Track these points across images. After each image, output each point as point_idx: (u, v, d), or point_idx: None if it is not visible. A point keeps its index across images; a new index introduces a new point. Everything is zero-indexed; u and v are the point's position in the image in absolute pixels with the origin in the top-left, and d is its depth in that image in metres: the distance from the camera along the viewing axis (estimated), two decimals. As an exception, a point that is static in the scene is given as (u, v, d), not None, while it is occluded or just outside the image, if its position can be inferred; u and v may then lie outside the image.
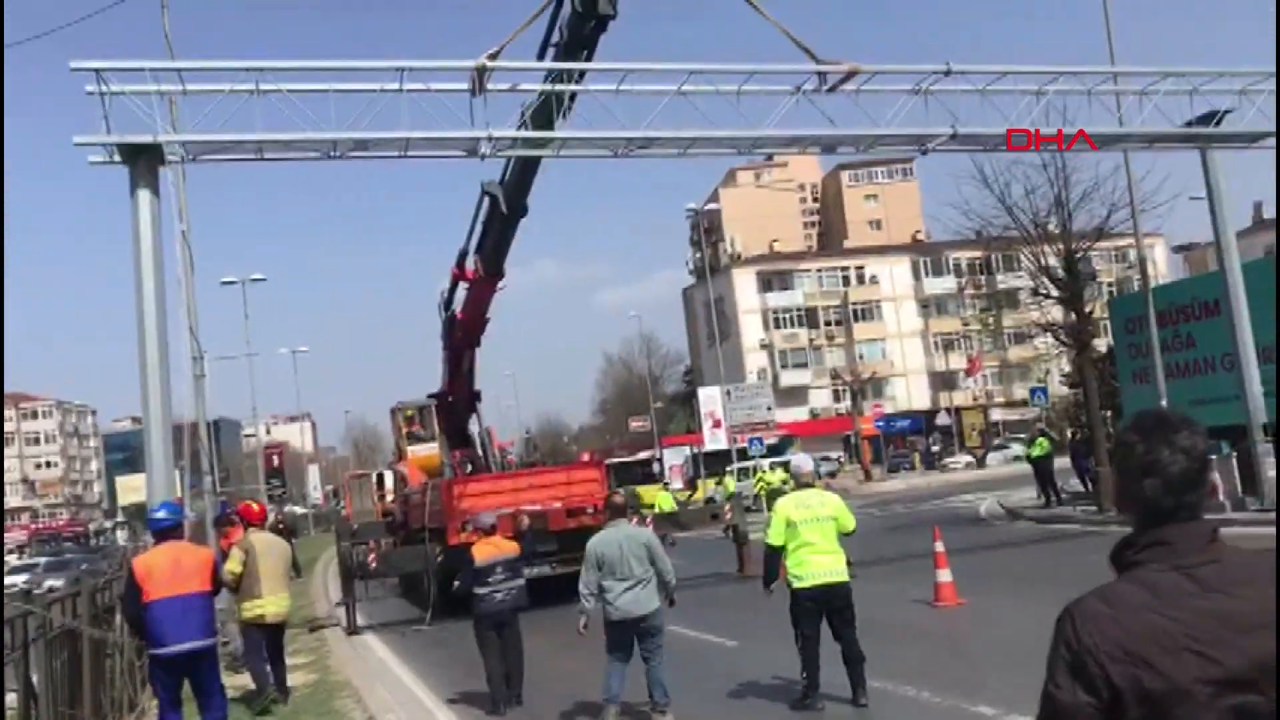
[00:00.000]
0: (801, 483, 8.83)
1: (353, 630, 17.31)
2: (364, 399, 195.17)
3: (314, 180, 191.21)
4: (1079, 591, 2.09)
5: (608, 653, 8.54)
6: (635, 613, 8.39)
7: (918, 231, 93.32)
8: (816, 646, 8.38)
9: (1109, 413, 24.24)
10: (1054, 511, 24.59)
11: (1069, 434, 28.16)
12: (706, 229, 77.84)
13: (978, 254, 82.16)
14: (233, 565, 10.48)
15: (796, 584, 8.41)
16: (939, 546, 13.78)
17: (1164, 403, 20.64)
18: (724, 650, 11.92)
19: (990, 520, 26.22)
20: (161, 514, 8.59)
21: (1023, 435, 64.69)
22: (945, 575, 13.48)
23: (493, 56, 14.21)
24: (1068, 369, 67.07)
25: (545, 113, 15.79)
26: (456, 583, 11.32)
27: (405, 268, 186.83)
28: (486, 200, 19.00)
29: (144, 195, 12.96)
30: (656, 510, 24.41)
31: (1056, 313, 25.14)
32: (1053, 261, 23.43)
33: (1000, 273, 79.98)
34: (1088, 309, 23.44)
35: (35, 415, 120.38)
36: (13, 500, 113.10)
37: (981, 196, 23.18)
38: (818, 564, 8.37)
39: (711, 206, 70.34)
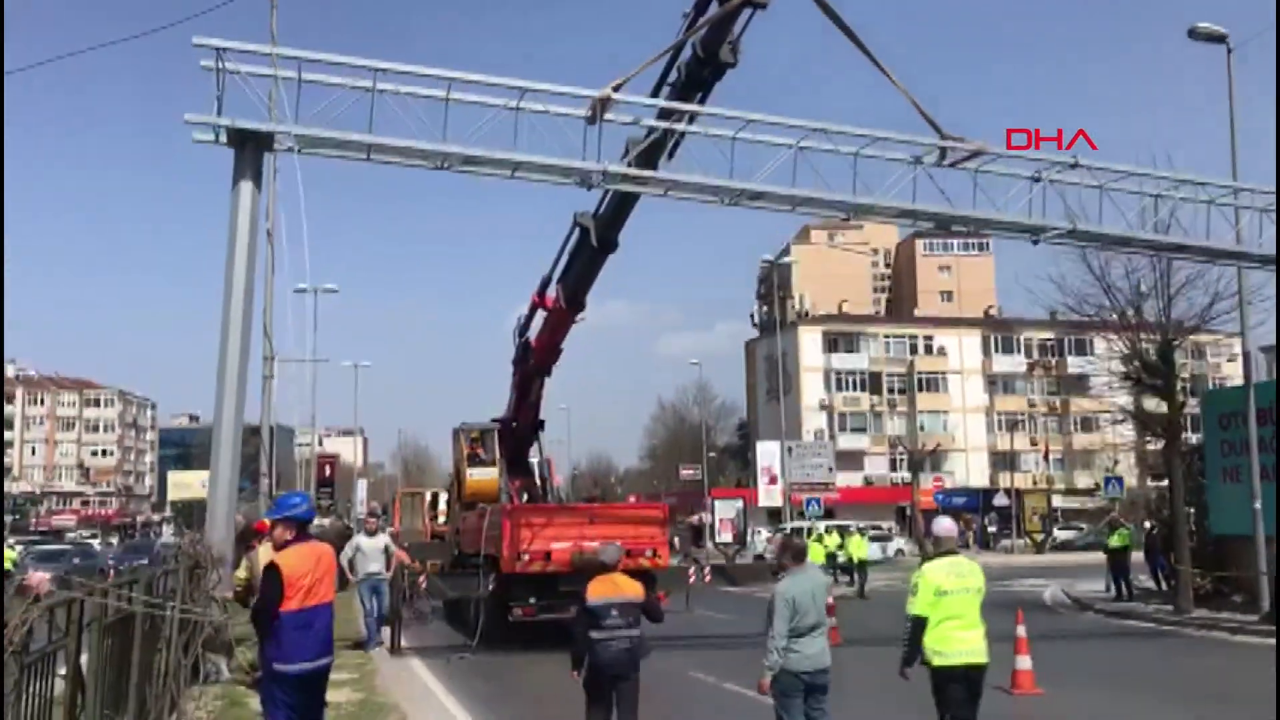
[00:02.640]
0: (943, 549, 8.05)
1: (397, 650, 16.94)
2: (416, 419, 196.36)
3: (392, 193, 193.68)
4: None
5: (788, 713, 7.76)
6: (823, 664, 7.81)
7: (990, 307, 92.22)
8: None
9: (1192, 510, 23.26)
10: (1125, 606, 23.60)
11: (1147, 527, 27.06)
12: (776, 284, 77.41)
13: (1050, 335, 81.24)
14: (240, 573, 10.82)
15: (938, 660, 7.58)
16: (1021, 631, 13.11)
17: (1258, 504, 19.73)
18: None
19: (1056, 608, 25.25)
20: (302, 505, 7.60)
21: (1082, 525, 63.14)
22: (1025, 662, 12.80)
23: (617, 88, 14.10)
24: (1134, 462, 65.40)
25: (651, 151, 15.62)
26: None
27: (471, 293, 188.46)
28: (577, 231, 18.82)
29: (246, 186, 12.86)
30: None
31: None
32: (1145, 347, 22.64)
33: (1072, 355, 79.13)
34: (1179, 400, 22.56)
35: (98, 403, 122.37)
36: (67, 484, 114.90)
37: (1079, 272, 22.52)
38: (963, 640, 7.59)
39: (787, 260, 69.82)
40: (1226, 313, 21.36)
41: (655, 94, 15.51)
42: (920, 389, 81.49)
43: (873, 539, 42.18)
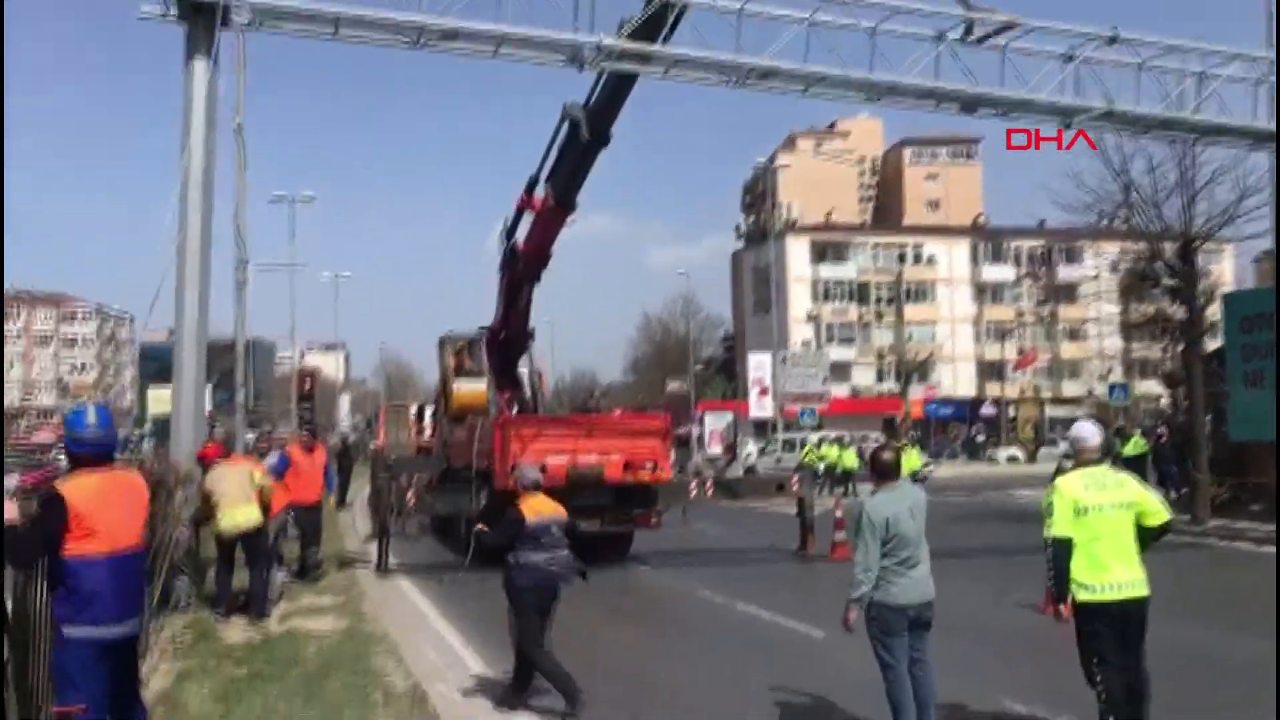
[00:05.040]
0: (1086, 459, 6.60)
1: (384, 570, 16.06)
2: (398, 334, 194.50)
3: (369, 88, 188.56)
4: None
5: (889, 653, 6.60)
6: (928, 596, 6.67)
7: (979, 215, 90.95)
8: (1124, 679, 6.28)
9: (1208, 417, 22.43)
10: (1138, 516, 22.87)
11: (1156, 436, 26.26)
12: (761, 194, 75.84)
13: (1039, 243, 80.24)
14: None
15: (1084, 595, 6.21)
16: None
17: (1284, 410, 18.88)
18: (812, 642, 10.43)
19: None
20: (94, 426, 5.37)
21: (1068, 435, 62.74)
22: (1061, 579, 11.90)
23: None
24: (1123, 371, 64.98)
25: (649, 28, 14.34)
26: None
27: (455, 201, 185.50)
28: (566, 124, 17.53)
29: (199, 65, 11.54)
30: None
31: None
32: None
33: (1063, 264, 78.25)
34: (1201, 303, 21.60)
35: (74, 318, 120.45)
36: (45, 401, 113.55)
37: (1095, 170, 21.33)
38: (1115, 571, 6.24)
39: (782, 162, 68.21)
40: (1255, 209, 20.32)
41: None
42: (908, 299, 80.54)
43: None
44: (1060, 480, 6.52)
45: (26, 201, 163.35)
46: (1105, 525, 6.24)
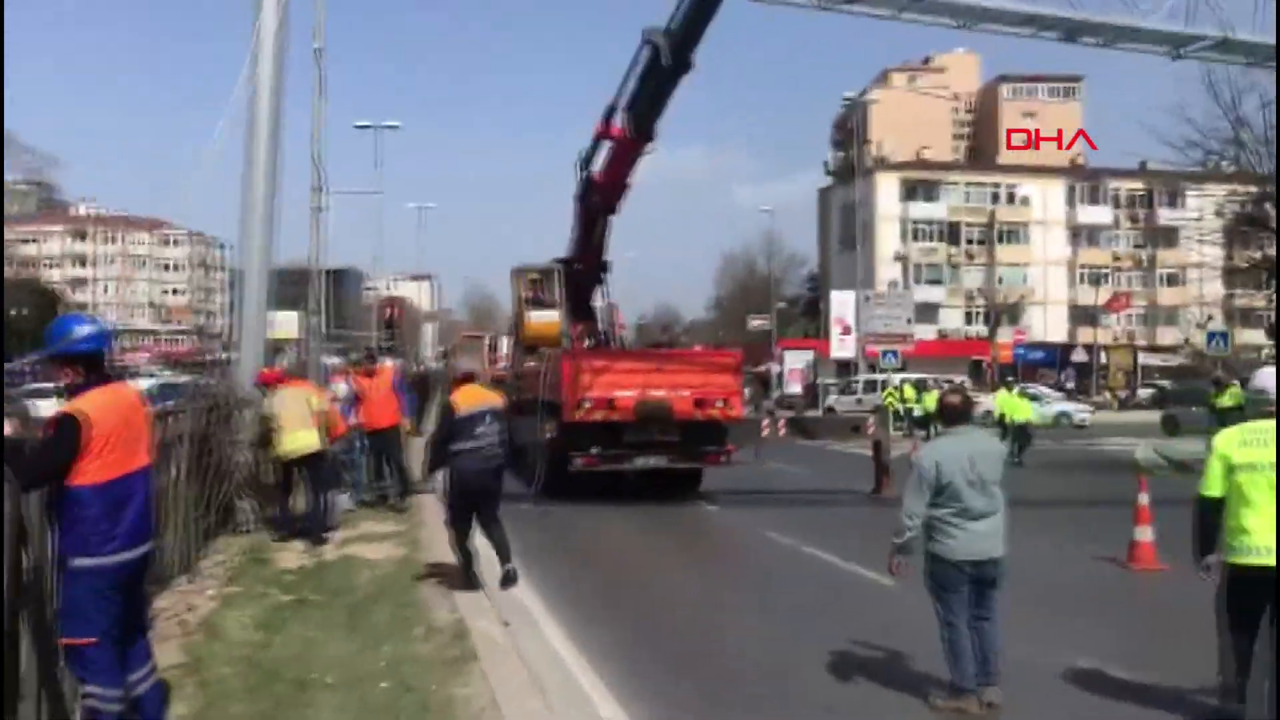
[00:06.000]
0: (1261, 411, 5.91)
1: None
2: (484, 265, 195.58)
3: (453, 14, 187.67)
4: None
5: (946, 609, 6.26)
6: (991, 553, 6.26)
7: (1077, 156, 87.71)
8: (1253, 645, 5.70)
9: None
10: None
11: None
12: (851, 130, 73.85)
13: (1139, 186, 77.15)
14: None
15: (1231, 558, 5.64)
16: (1144, 498, 11.58)
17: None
18: (880, 590, 10.03)
19: (1153, 470, 23.61)
20: (83, 333, 4.88)
21: (1165, 383, 60.74)
22: (1147, 533, 11.31)
23: None
24: (1224, 318, 62.46)
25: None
26: (430, 439, 9.99)
27: (545, 128, 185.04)
28: (647, 50, 17.00)
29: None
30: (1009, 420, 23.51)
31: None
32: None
33: (1164, 207, 75.18)
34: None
35: (170, 243, 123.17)
36: (141, 322, 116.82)
37: (1204, 105, 20.17)
38: (1254, 532, 5.56)
39: (866, 99, 66.35)
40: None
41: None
42: (1000, 240, 78.28)
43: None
44: (1221, 436, 5.91)
45: (118, 125, 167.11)
46: (1259, 486, 5.61)
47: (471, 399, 8.92)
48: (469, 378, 9.23)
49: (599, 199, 19.87)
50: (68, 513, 4.68)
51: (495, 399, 9.25)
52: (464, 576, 8.89)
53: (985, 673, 6.27)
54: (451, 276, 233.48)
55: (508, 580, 8.73)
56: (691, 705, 6.37)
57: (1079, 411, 43.08)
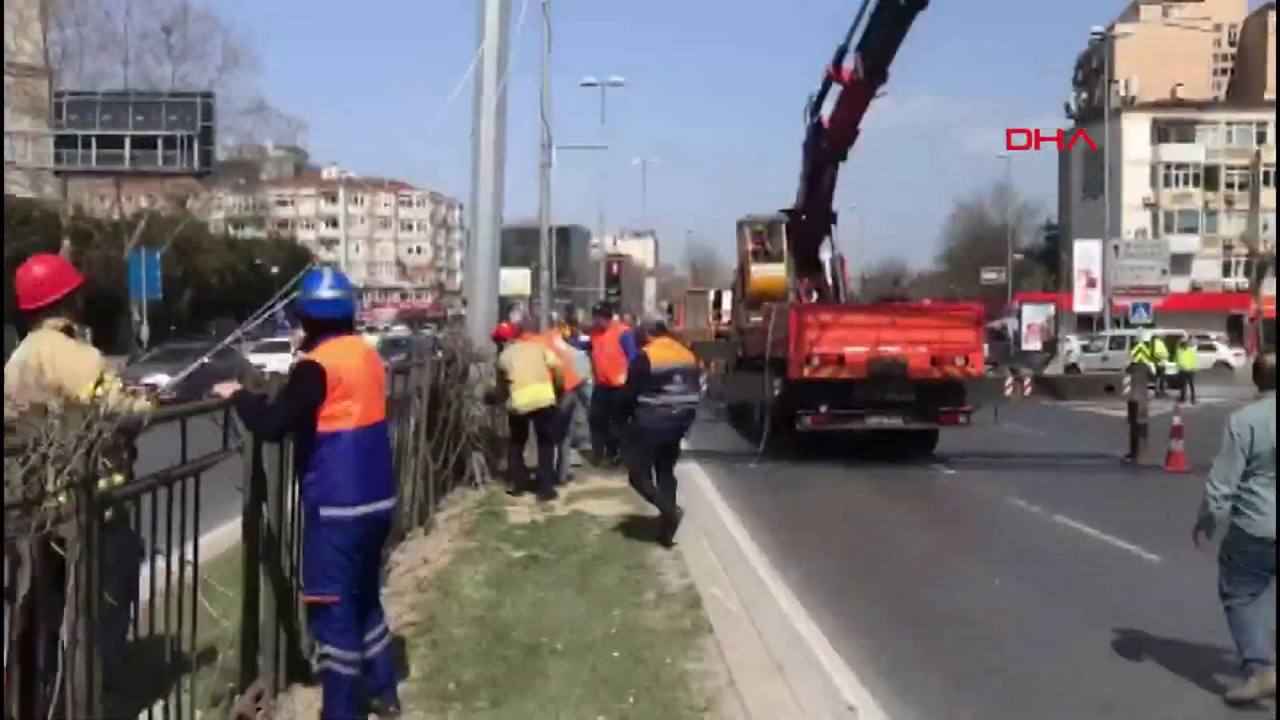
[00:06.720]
0: None
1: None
2: (707, 221, 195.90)
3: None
4: None
5: (1235, 587, 5.62)
6: None
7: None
8: None
9: None
10: None
11: None
12: (1097, 68, 69.00)
13: None
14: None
15: None
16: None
17: None
18: (1146, 565, 9.13)
19: None
20: (334, 292, 4.83)
21: None
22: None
23: None
24: None
25: None
26: (621, 394, 9.67)
27: (772, 80, 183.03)
28: (880, -14, 16.10)
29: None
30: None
31: None
32: None
33: None
34: None
35: (410, 204, 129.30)
36: (386, 279, 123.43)
37: None
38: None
39: (1123, 31, 61.64)
40: None
41: None
42: (1265, 184, 71.62)
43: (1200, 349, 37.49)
44: None
45: (359, 87, 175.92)
46: None
47: (664, 354, 8.95)
48: (660, 329, 9.27)
49: (828, 145, 19.14)
50: (315, 462, 4.62)
51: (688, 357, 9.30)
52: (664, 529, 8.88)
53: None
54: (673, 233, 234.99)
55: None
56: (947, 696, 5.81)
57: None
